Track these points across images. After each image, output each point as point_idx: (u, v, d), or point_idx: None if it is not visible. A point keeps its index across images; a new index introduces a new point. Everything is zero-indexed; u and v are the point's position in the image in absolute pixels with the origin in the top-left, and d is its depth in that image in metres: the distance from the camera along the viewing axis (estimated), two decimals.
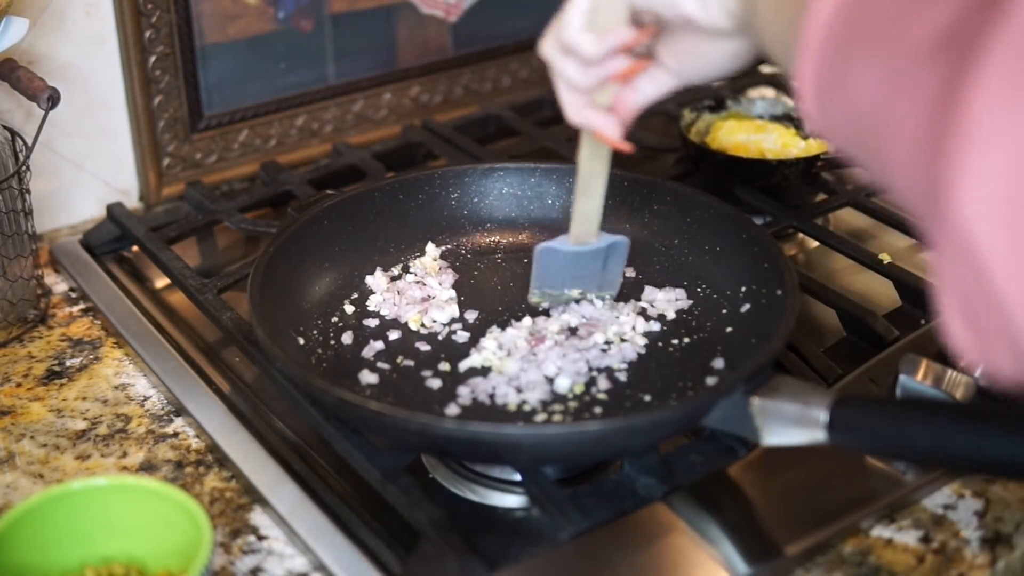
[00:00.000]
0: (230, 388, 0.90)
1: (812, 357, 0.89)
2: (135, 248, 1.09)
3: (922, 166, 0.47)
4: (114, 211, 1.09)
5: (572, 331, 0.88)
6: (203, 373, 0.91)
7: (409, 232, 0.99)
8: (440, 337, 0.89)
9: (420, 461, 0.81)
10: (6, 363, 0.94)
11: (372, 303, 0.93)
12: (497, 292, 0.94)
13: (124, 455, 0.84)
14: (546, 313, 0.90)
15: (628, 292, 0.93)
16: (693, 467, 0.77)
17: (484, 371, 0.84)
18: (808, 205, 1.10)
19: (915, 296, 0.97)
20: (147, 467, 0.83)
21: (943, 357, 0.88)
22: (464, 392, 0.82)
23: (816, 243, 1.08)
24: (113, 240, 1.09)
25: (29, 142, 0.94)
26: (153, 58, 1.11)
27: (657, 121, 1.28)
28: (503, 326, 0.89)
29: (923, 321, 0.94)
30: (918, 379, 0.80)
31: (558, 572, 0.72)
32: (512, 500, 0.78)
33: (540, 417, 0.79)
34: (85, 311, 1.02)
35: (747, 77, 1.32)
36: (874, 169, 0.53)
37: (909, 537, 0.75)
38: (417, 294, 0.93)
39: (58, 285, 1.05)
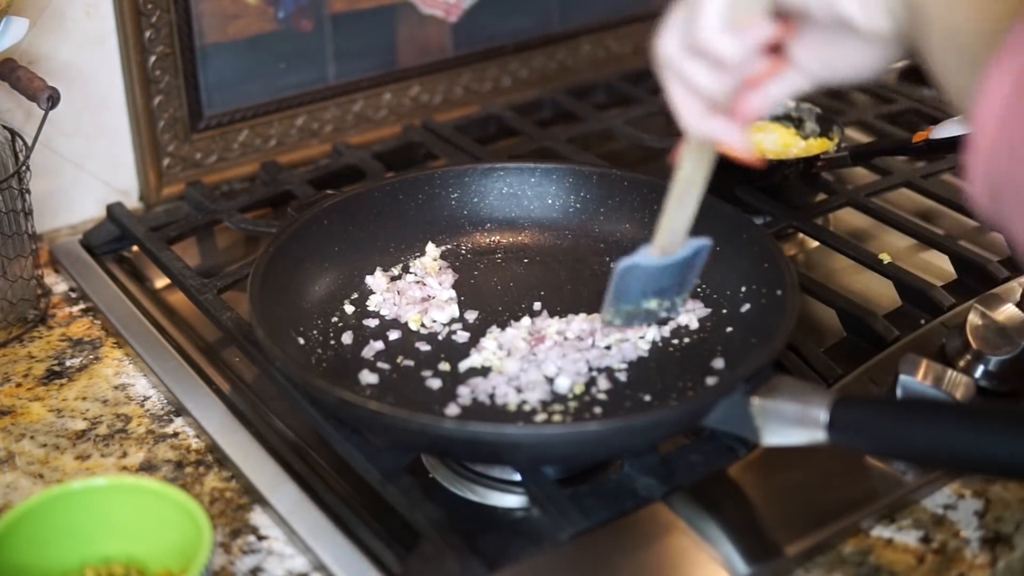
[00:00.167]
0: (230, 388, 0.90)
1: (812, 357, 0.89)
2: (135, 248, 1.09)
3: None
4: (114, 211, 1.09)
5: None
6: (203, 373, 0.91)
7: (409, 232, 0.99)
8: (440, 337, 0.89)
9: (420, 461, 0.81)
10: (6, 363, 0.94)
11: (372, 303, 0.93)
12: (497, 292, 0.94)
13: (124, 455, 0.84)
14: (547, 313, 0.90)
15: None
16: (693, 467, 0.77)
17: (484, 371, 0.84)
18: (808, 205, 1.10)
19: (915, 296, 0.97)
20: (147, 467, 0.83)
21: (943, 357, 0.88)
22: (464, 392, 0.82)
23: (816, 243, 1.08)
24: (113, 240, 1.09)
25: (29, 142, 0.94)
26: (153, 58, 1.11)
27: (657, 121, 1.28)
28: (503, 326, 0.89)
29: (923, 321, 0.94)
30: (918, 379, 0.80)
31: (558, 572, 0.72)
32: (512, 500, 0.78)
33: (540, 417, 0.79)
34: (85, 311, 1.02)
35: None
36: None
37: (909, 537, 0.75)
38: (417, 294, 0.93)
39: (58, 285, 1.05)
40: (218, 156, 1.19)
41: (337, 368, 0.85)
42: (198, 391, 0.89)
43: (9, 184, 0.93)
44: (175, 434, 0.86)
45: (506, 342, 0.86)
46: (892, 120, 1.29)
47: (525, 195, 1.01)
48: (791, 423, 0.72)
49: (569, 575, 0.72)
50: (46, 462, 0.84)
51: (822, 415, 0.70)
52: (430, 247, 0.98)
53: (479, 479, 0.80)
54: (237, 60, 1.17)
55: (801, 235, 1.09)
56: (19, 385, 0.92)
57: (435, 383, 0.83)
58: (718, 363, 0.84)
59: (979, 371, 0.85)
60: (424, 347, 0.88)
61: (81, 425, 0.87)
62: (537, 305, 0.92)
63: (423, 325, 0.90)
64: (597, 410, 0.80)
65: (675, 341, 0.88)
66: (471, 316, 0.91)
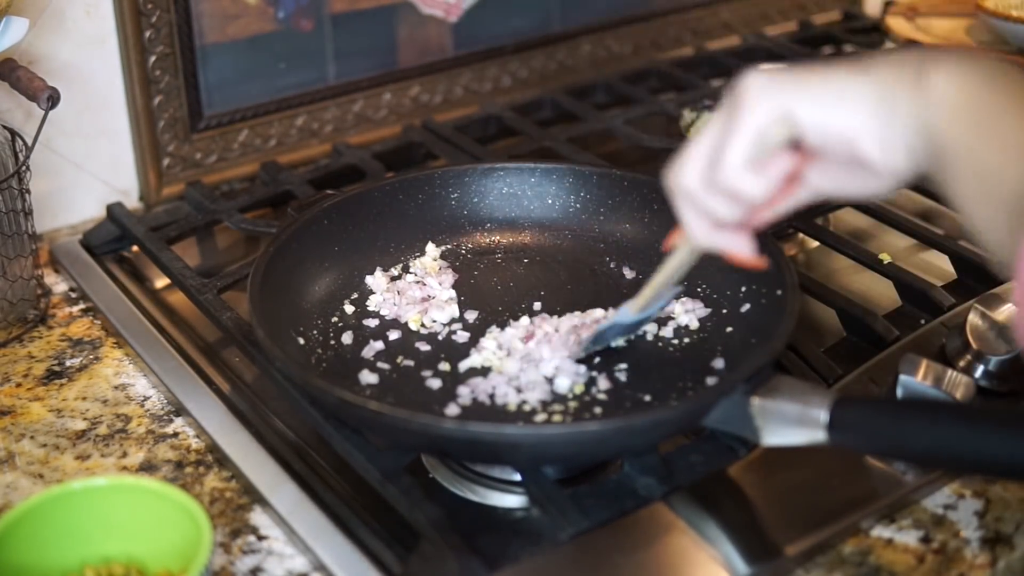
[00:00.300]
0: (230, 388, 0.90)
1: (812, 357, 0.89)
2: (135, 248, 1.09)
3: None
4: (114, 211, 1.09)
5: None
6: (203, 373, 0.91)
7: (409, 232, 0.99)
8: (440, 337, 0.89)
9: (420, 461, 0.81)
10: (6, 363, 0.94)
11: (372, 303, 0.93)
12: (497, 292, 0.94)
13: (124, 455, 0.84)
14: (546, 313, 0.90)
15: (627, 292, 0.93)
16: (693, 467, 0.77)
17: (484, 371, 0.84)
18: (808, 205, 1.10)
19: (915, 296, 0.97)
20: (147, 467, 0.83)
21: (943, 357, 0.88)
22: (464, 392, 0.82)
23: (816, 243, 1.08)
24: (113, 240, 1.09)
25: (29, 142, 0.94)
26: (153, 58, 1.11)
27: (657, 121, 1.28)
28: (503, 326, 0.89)
29: (923, 321, 0.94)
30: (918, 379, 0.80)
31: (558, 572, 0.72)
32: (512, 500, 0.78)
33: (540, 417, 0.79)
34: (85, 311, 1.02)
35: None
36: None
37: (909, 537, 0.75)
38: (417, 294, 0.93)
39: (58, 285, 1.05)
40: (218, 156, 1.19)
41: (337, 368, 0.85)
42: (198, 391, 0.89)
43: (9, 184, 0.93)
44: (175, 434, 0.86)
45: (505, 342, 0.86)
46: None
47: (525, 195, 1.01)
48: (791, 423, 0.72)
49: (569, 575, 0.72)
50: (46, 462, 0.84)
51: (822, 415, 0.70)
52: (430, 247, 0.98)
53: (479, 479, 0.80)
54: (237, 60, 1.17)
55: (801, 235, 1.09)
56: (19, 385, 0.92)
57: (435, 383, 0.83)
58: (718, 363, 0.84)
59: (979, 371, 0.85)
60: (424, 347, 0.88)
61: (81, 425, 0.87)
62: (537, 305, 0.92)
63: (423, 325, 0.90)
64: (597, 410, 0.80)
65: (675, 341, 0.88)
66: (471, 316, 0.91)
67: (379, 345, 0.87)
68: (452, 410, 0.80)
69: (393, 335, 0.89)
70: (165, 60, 1.12)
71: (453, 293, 0.93)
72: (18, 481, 0.82)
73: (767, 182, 0.66)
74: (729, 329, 0.88)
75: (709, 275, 0.92)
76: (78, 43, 1.09)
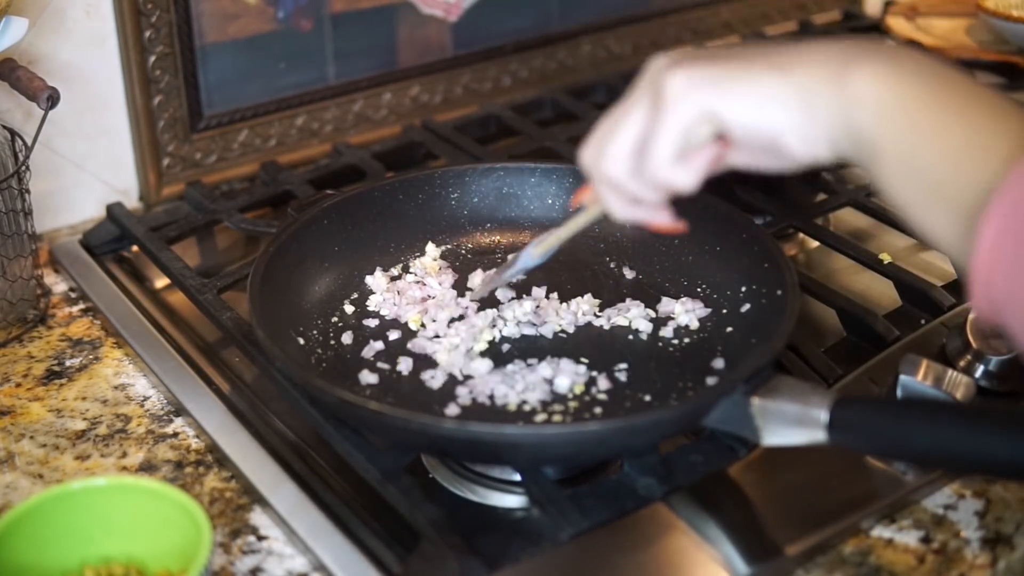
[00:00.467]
0: (230, 388, 0.90)
1: (812, 357, 0.89)
2: (135, 248, 1.09)
3: None
4: (114, 211, 1.09)
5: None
6: (203, 373, 0.91)
7: (409, 232, 0.99)
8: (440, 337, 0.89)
9: (420, 461, 0.81)
10: (6, 363, 0.94)
11: (372, 303, 0.93)
12: (497, 292, 0.94)
13: (124, 455, 0.84)
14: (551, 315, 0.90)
15: (627, 292, 0.93)
16: (693, 467, 0.76)
17: (482, 371, 0.84)
18: (808, 205, 1.10)
19: (915, 296, 0.97)
20: (147, 467, 0.83)
21: (943, 357, 0.88)
22: (464, 392, 0.82)
23: (816, 243, 1.08)
24: (113, 240, 1.09)
25: (29, 142, 0.94)
26: (153, 58, 1.11)
27: None
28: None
29: (923, 321, 0.94)
30: (918, 379, 0.80)
31: (558, 572, 0.72)
32: (512, 500, 0.78)
33: (540, 417, 0.79)
34: (85, 311, 1.02)
35: None
36: None
37: (909, 537, 0.75)
38: (417, 294, 0.93)
39: (58, 285, 1.05)
40: (218, 156, 1.19)
41: (337, 368, 0.85)
42: (198, 391, 0.89)
43: (9, 184, 0.93)
44: (175, 434, 0.86)
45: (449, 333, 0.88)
46: None
47: (525, 195, 1.01)
48: (791, 423, 0.72)
49: (569, 575, 0.72)
50: (46, 462, 0.84)
51: (822, 415, 0.70)
52: (430, 247, 0.98)
53: (479, 479, 0.80)
54: (237, 60, 1.17)
55: (801, 235, 1.09)
56: (19, 385, 0.92)
57: (435, 383, 0.83)
58: (718, 363, 0.84)
59: (979, 371, 0.85)
60: (424, 347, 0.87)
61: (81, 425, 0.87)
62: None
63: (423, 325, 0.90)
64: (597, 410, 0.80)
65: (675, 341, 0.88)
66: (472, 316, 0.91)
67: (379, 345, 0.87)
68: (452, 410, 0.80)
69: (393, 335, 0.89)
70: (165, 60, 1.12)
71: (453, 293, 0.93)
72: (18, 481, 0.82)
73: (695, 172, 0.68)
74: (729, 329, 0.88)
75: (709, 275, 0.92)
76: (78, 43, 1.09)
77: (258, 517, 0.78)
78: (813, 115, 0.62)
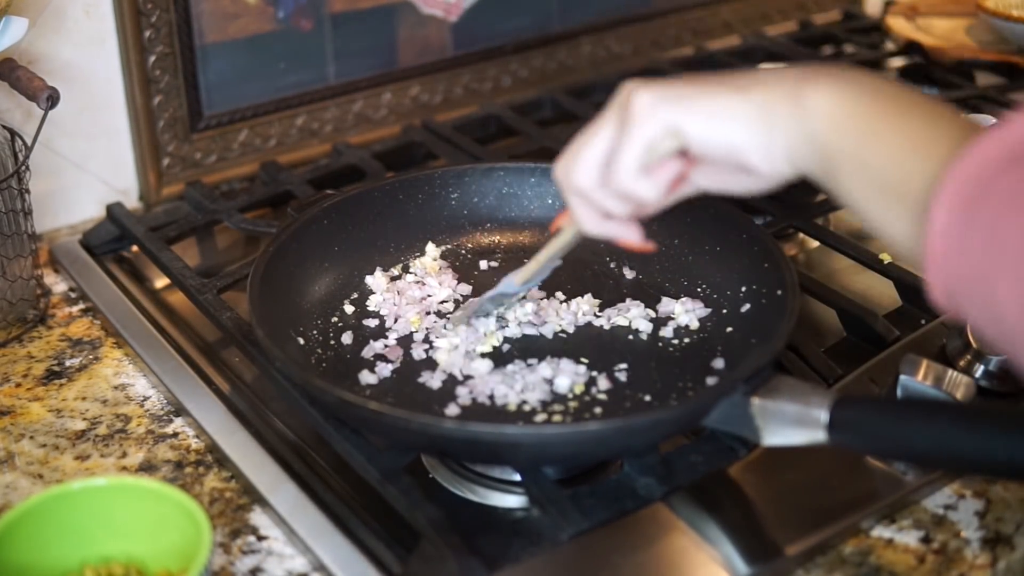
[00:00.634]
0: (230, 388, 0.90)
1: (812, 357, 0.89)
2: (135, 248, 1.09)
3: None
4: (114, 211, 1.09)
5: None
6: (203, 373, 0.91)
7: (409, 232, 0.99)
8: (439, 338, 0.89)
9: (420, 461, 0.81)
10: (6, 363, 0.94)
11: (372, 303, 0.93)
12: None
13: (124, 455, 0.84)
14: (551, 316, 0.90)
15: (627, 292, 0.93)
16: (693, 467, 0.76)
17: (481, 371, 0.84)
18: (808, 205, 1.10)
19: (916, 296, 0.97)
20: (147, 467, 0.83)
21: (944, 357, 0.88)
22: (464, 392, 0.82)
23: (816, 243, 1.08)
24: (113, 240, 1.09)
25: (29, 142, 0.94)
26: (153, 58, 1.11)
27: None
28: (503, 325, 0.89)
29: (923, 321, 0.94)
30: (918, 379, 0.80)
31: (558, 572, 0.72)
32: (512, 500, 0.78)
33: (540, 417, 0.79)
34: (85, 311, 1.02)
35: None
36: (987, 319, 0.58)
37: (910, 537, 0.75)
38: (417, 294, 0.93)
39: (58, 285, 1.05)
40: (218, 156, 1.19)
41: (337, 368, 0.85)
42: (198, 391, 0.89)
43: (9, 184, 0.93)
44: (175, 434, 0.86)
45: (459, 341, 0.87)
46: None
47: (525, 195, 1.01)
48: (791, 423, 0.72)
49: (569, 575, 0.72)
50: (46, 462, 0.84)
51: (822, 415, 0.70)
52: (430, 247, 0.98)
53: (479, 479, 0.80)
54: (237, 60, 1.17)
55: (801, 235, 1.09)
56: (19, 385, 0.92)
57: (435, 383, 0.83)
58: (718, 363, 0.84)
59: (980, 371, 0.85)
60: (424, 347, 0.87)
61: (81, 425, 0.87)
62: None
63: (440, 320, 0.90)
64: (597, 410, 0.80)
65: (675, 341, 0.88)
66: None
67: (379, 345, 0.87)
68: (452, 410, 0.80)
69: (393, 335, 0.89)
70: (165, 60, 1.12)
71: (453, 293, 0.93)
72: (18, 481, 0.82)
73: (657, 185, 0.71)
74: (729, 329, 0.88)
75: (709, 275, 0.92)
76: (78, 43, 1.09)
77: (258, 517, 0.78)
78: (771, 131, 0.66)
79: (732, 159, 0.69)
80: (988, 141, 0.57)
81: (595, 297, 0.92)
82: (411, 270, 0.97)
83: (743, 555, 0.73)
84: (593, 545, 0.72)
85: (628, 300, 0.92)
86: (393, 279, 0.96)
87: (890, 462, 0.79)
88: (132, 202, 1.16)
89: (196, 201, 1.13)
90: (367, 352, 0.87)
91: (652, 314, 0.90)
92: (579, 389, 0.82)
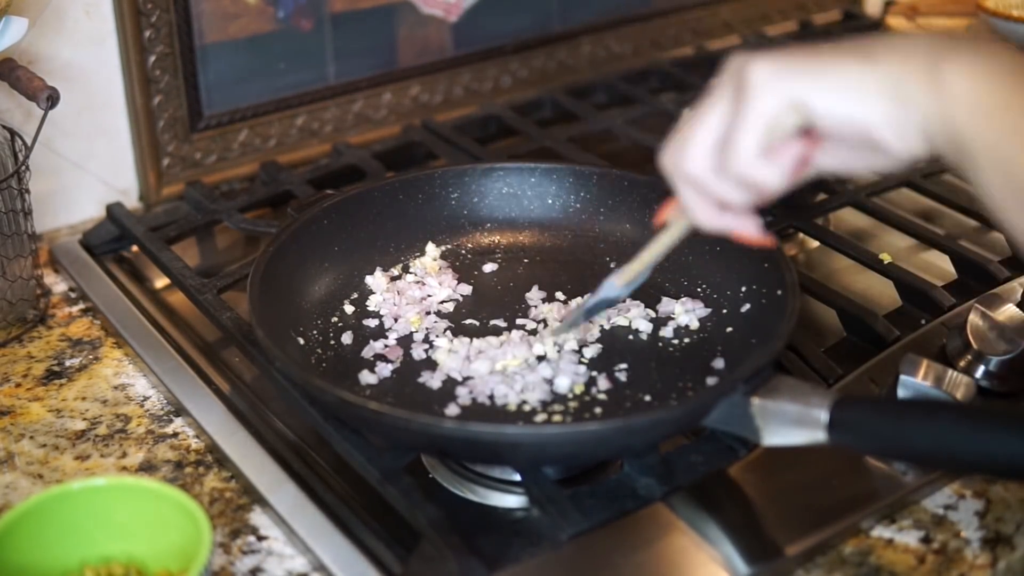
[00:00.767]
0: (230, 388, 0.90)
1: (812, 357, 0.89)
2: (135, 248, 1.09)
3: None
4: (114, 211, 1.09)
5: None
6: (203, 373, 0.91)
7: (409, 232, 0.99)
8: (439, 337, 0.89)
9: (420, 461, 0.81)
10: (5, 363, 0.94)
11: (372, 303, 0.93)
12: (497, 292, 0.94)
13: (124, 455, 0.84)
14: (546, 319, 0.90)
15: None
16: (693, 467, 0.76)
17: (480, 371, 0.84)
18: (808, 205, 1.10)
19: (915, 296, 0.97)
20: (147, 467, 0.83)
21: (944, 357, 0.88)
22: (464, 392, 0.82)
23: (816, 243, 1.08)
24: (113, 240, 1.09)
25: (29, 142, 0.94)
26: (153, 58, 1.11)
27: (657, 121, 1.28)
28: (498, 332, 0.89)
29: (923, 321, 0.94)
30: (919, 379, 0.80)
31: (558, 572, 0.72)
32: (512, 500, 0.78)
33: (540, 417, 0.79)
34: (85, 311, 1.02)
35: None
36: None
37: (910, 537, 0.75)
38: (417, 294, 0.93)
39: (58, 285, 1.05)
40: (218, 156, 1.19)
41: (337, 368, 0.85)
42: (198, 391, 0.89)
43: (9, 184, 0.93)
44: (175, 434, 0.86)
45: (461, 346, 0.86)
46: None
47: (525, 195, 1.01)
48: (791, 423, 0.72)
49: (569, 575, 0.72)
50: (46, 462, 0.84)
51: (822, 415, 0.70)
52: (430, 247, 0.98)
53: (479, 479, 0.80)
54: (237, 60, 1.17)
55: (801, 235, 1.09)
56: (19, 385, 0.92)
57: (435, 383, 0.83)
58: (718, 363, 0.84)
59: (980, 371, 0.85)
60: (423, 347, 0.87)
61: (81, 425, 0.87)
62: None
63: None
64: (597, 410, 0.80)
65: (675, 341, 0.88)
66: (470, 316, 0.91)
67: (379, 345, 0.87)
68: (452, 410, 0.80)
69: (393, 335, 0.89)
70: (165, 60, 1.12)
71: (453, 293, 0.93)
72: (18, 481, 0.82)
73: (781, 168, 0.64)
74: (729, 329, 0.88)
75: (709, 275, 0.92)
76: (78, 43, 1.09)
77: (258, 517, 0.78)
78: (905, 106, 0.60)
79: (862, 136, 0.62)
80: None
81: None
82: (411, 270, 0.97)
83: (743, 555, 0.73)
84: (593, 545, 0.72)
85: (628, 300, 0.92)
86: (393, 279, 0.96)
87: (890, 462, 0.79)
88: (132, 202, 1.16)
89: (196, 201, 1.13)
90: (367, 352, 0.87)
91: (652, 314, 0.90)
92: (579, 389, 0.82)
